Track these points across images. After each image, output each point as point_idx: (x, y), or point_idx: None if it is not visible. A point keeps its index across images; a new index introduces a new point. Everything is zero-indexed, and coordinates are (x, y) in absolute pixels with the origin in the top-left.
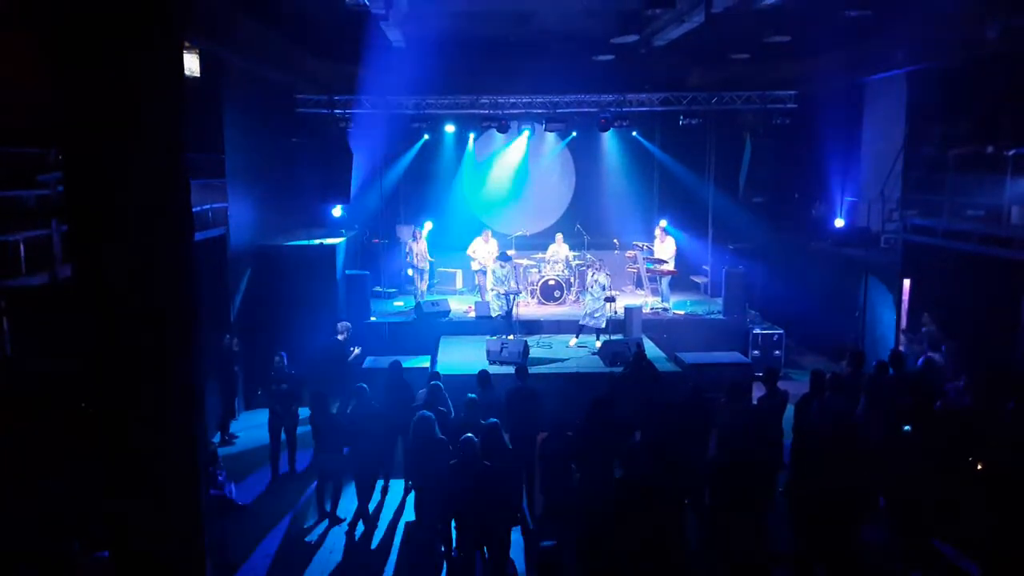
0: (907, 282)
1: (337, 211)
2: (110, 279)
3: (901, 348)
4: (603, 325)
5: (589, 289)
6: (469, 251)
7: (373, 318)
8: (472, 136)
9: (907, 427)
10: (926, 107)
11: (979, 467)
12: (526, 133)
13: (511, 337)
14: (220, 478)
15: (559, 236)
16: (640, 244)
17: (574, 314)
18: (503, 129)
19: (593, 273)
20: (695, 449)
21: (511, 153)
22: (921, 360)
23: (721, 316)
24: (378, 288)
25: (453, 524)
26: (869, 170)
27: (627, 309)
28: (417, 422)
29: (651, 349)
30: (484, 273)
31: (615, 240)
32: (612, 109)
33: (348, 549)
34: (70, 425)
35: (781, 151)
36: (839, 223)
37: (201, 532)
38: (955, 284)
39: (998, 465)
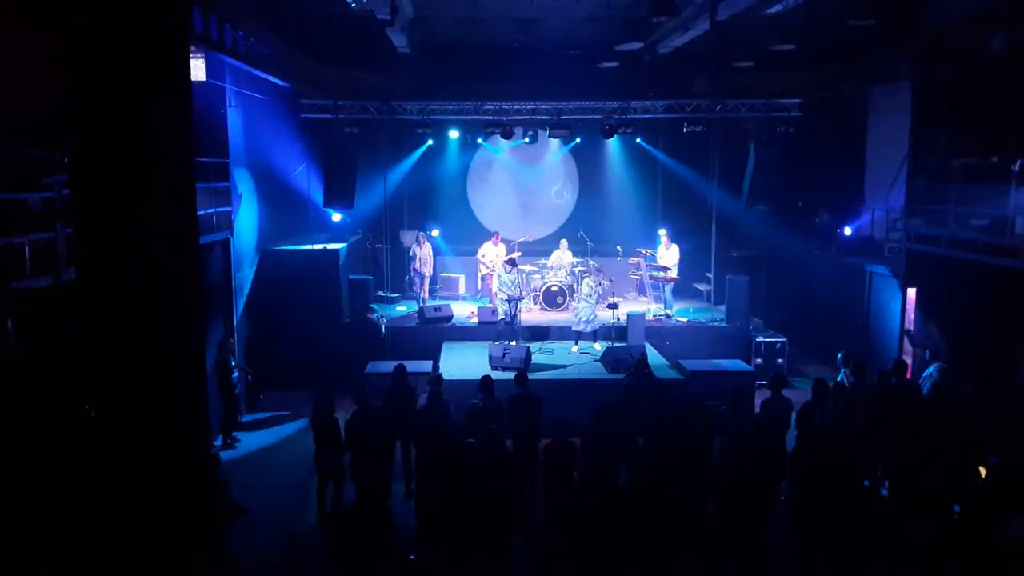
0: (911, 291)
1: (336, 217)
2: (114, 282)
3: (906, 358)
4: (586, 330)
5: (583, 296)
6: (479, 254)
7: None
8: (476, 141)
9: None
10: (931, 117)
11: (982, 473)
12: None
13: (514, 343)
14: (222, 480)
15: (563, 242)
16: (643, 251)
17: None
18: (507, 135)
19: (586, 280)
20: (697, 458)
21: (515, 159)
22: (931, 370)
23: (724, 324)
24: (381, 293)
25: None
26: (873, 179)
27: (630, 316)
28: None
29: (654, 356)
30: (493, 276)
31: (618, 247)
32: (616, 116)
33: (348, 551)
34: (73, 428)
35: (785, 159)
36: (846, 232)
37: (206, 534)
38: (959, 294)
39: (999, 473)
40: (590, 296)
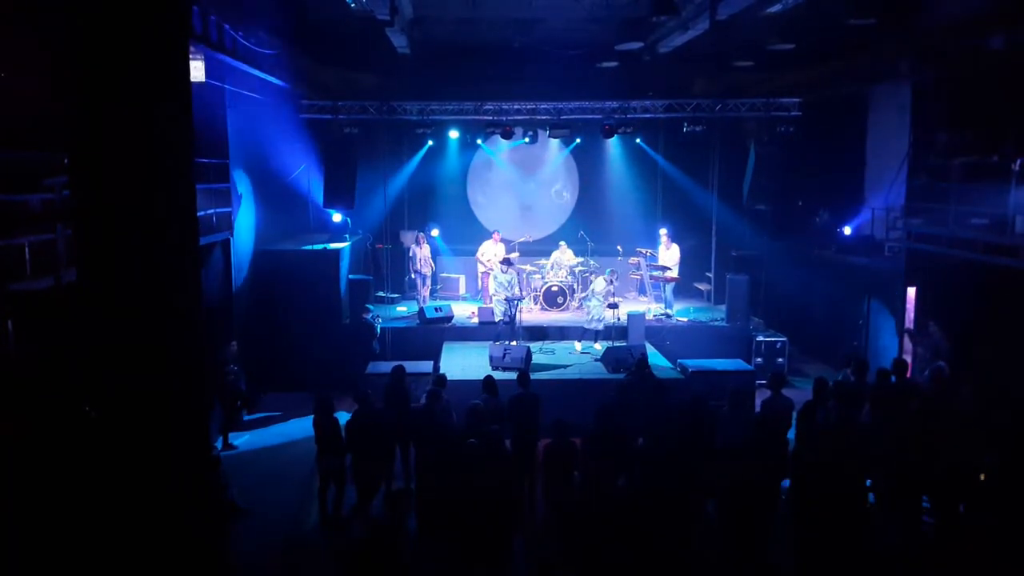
0: (911, 290)
1: (337, 217)
2: (115, 283)
3: (906, 356)
4: (600, 328)
5: (595, 293)
6: (478, 252)
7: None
8: (477, 142)
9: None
10: (930, 116)
11: (982, 476)
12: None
13: (514, 343)
14: (223, 481)
15: (563, 243)
16: (643, 251)
17: (577, 320)
18: (507, 135)
19: (600, 277)
20: (698, 458)
21: (515, 159)
22: (928, 371)
23: (724, 323)
24: (381, 293)
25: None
26: (873, 178)
27: (630, 316)
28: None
29: (654, 356)
30: (489, 277)
31: (618, 247)
32: (616, 116)
33: (349, 552)
34: (74, 428)
35: (785, 159)
36: (846, 231)
37: (206, 535)
38: (959, 293)
39: (999, 473)
40: (602, 294)
